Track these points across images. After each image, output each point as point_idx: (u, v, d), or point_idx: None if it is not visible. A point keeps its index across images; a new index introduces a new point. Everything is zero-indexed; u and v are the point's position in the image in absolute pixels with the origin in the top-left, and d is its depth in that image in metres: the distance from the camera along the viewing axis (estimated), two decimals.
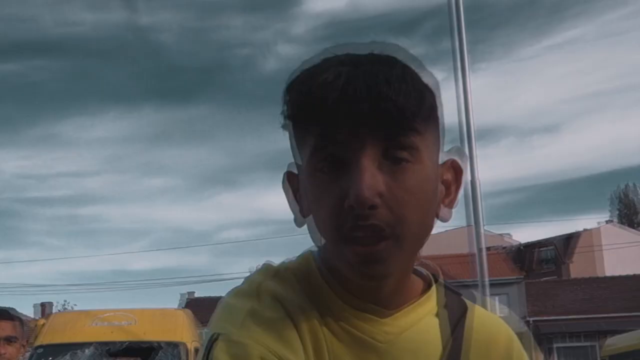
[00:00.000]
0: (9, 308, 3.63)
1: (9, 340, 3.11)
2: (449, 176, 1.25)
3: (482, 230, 9.03)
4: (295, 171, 1.24)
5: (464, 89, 9.96)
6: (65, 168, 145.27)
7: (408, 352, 1.24)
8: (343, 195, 1.10)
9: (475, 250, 9.04)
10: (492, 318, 1.42)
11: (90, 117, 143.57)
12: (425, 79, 1.17)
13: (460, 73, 10.27)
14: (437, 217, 1.23)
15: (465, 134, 9.10)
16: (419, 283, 1.31)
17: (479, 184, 9.01)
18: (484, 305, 1.48)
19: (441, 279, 1.37)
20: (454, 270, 34.72)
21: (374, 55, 1.17)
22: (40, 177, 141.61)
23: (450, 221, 1.30)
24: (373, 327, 1.21)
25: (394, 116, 1.09)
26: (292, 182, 1.26)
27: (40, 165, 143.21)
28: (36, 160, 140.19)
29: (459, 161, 1.27)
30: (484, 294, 9.06)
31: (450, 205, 1.26)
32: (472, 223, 8.91)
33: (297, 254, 1.33)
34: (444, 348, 1.27)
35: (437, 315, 1.30)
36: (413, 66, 1.17)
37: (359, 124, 1.10)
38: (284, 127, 1.21)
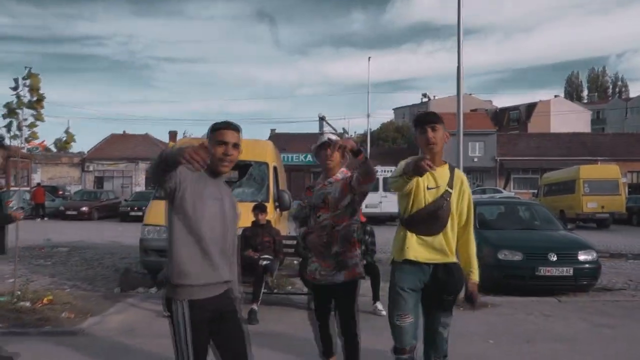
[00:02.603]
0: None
1: (235, 146, 2.94)
2: (447, 134, 3.46)
3: (461, 101, 9.21)
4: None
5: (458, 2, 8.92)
6: (186, 37, 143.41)
7: (440, 174, 3.41)
8: (425, 138, 3.41)
9: (460, 112, 9.22)
10: (459, 171, 3.55)
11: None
12: (442, 120, 3.46)
13: None
14: (445, 142, 3.44)
15: (457, 29, 8.94)
16: (444, 163, 3.48)
17: (462, 69, 8.94)
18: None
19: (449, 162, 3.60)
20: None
21: (430, 111, 3.72)
22: (169, 42, 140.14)
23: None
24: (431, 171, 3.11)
25: (433, 121, 3.42)
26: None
27: (168, 33, 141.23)
28: (166, 29, 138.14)
29: (448, 135, 3.48)
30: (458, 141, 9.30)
31: (447, 139, 3.45)
32: (456, 94, 8.95)
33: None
34: (449, 176, 3.45)
35: (448, 169, 3.47)
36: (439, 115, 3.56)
37: (426, 123, 3.41)
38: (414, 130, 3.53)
